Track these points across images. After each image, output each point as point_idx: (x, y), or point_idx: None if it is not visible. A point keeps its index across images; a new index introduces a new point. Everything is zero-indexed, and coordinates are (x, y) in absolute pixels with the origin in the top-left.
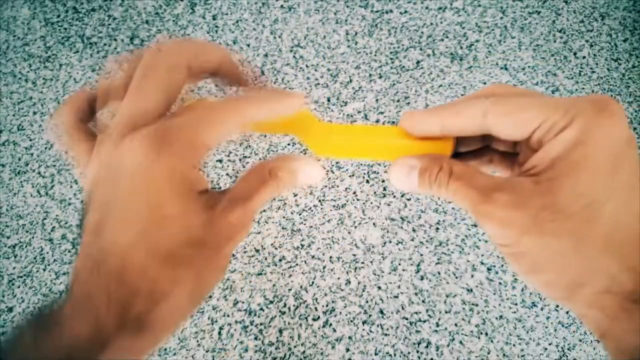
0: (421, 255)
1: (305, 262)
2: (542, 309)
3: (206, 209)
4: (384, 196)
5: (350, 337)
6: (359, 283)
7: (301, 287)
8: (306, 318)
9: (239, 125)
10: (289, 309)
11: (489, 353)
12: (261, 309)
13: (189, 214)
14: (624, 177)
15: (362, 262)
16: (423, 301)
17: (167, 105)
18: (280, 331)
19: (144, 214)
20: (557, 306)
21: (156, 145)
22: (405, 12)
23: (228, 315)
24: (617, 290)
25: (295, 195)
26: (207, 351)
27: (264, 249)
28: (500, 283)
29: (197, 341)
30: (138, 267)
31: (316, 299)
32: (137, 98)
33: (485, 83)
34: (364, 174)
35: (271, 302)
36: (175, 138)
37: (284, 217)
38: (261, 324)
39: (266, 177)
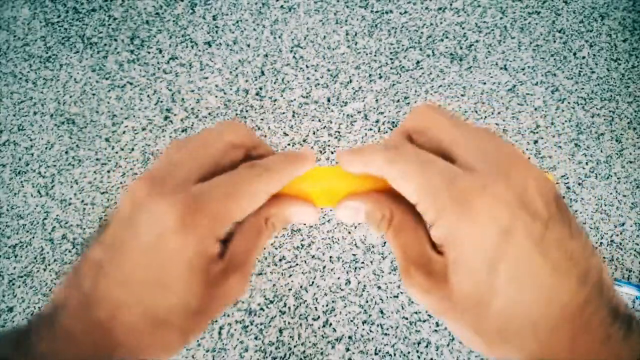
0: None
1: (305, 262)
2: None
3: (209, 279)
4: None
5: (350, 337)
6: (359, 283)
7: (301, 287)
8: (306, 318)
9: (266, 196)
10: (289, 308)
11: None
12: (261, 308)
13: (193, 289)
14: (503, 274)
15: (362, 262)
16: None
17: (208, 175)
18: (281, 331)
19: (150, 281)
20: None
21: (187, 216)
22: (405, 12)
23: (228, 315)
24: None
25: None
26: (207, 351)
27: (264, 249)
28: None
29: (197, 341)
30: (128, 325)
31: (316, 299)
32: (192, 159)
33: (485, 83)
34: None
35: (271, 302)
36: (204, 211)
37: None
38: (261, 323)
39: (262, 228)
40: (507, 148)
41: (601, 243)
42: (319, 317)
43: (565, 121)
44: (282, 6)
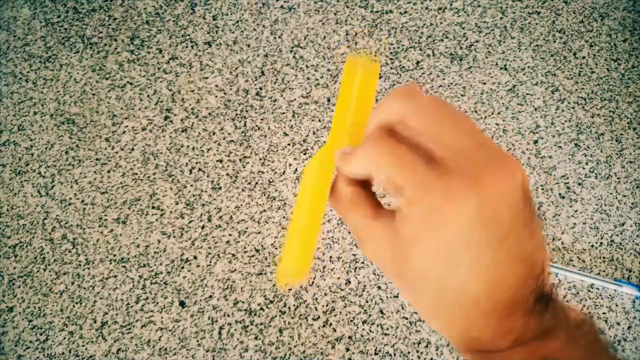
0: None
1: None
2: None
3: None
4: (384, 196)
5: (350, 337)
6: (359, 283)
7: (301, 287)
8: (306, 318)
9: None
10: (289, 308)
11: None
12: (261, 308)
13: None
14: (456, 261)
15: (362, 262)
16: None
17: None
18: (281, 331)
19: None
20: None
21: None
22: (405, 12)
23: (228, 315)
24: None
25: (295, 196)
26: (207, 351)
27: (264, 248)
28: None
29: (198, 341)
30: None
31: (316, 299)
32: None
33: (485, 83)
34: None
35: (271, 302)
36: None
37: (284, 217)
38: (261, 323)
39: None
40: (482, 144)
41: (601, 243)
42: (319, 317)
43: (565, 121)
44: (282, 6)
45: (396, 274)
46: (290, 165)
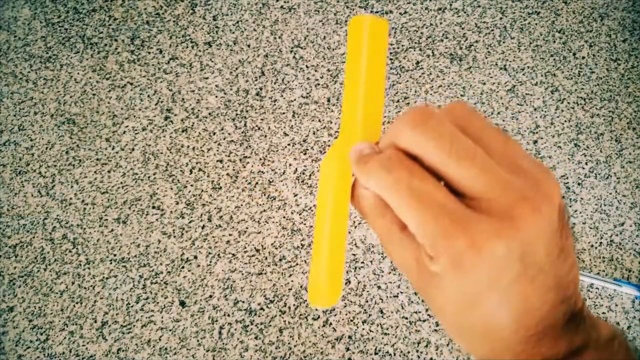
0: None
1: (305, 262)
2: None
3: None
4: None
5: (350, 337)
6: (359, 283)
7: (301, 286)
8: (306, 318)
9: None
10: (289, 308)
11: None
12: (261, 308)
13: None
14: (491, 292)
15: (362, 262)
16: (423, 301)
17: None
18: (281, 331)
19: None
20: None
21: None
22: (405, 12)
23: (228, 315)
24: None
25: (295, 195)
26: (207, 351)
27: (264, 248)
28: None
29: (198, 341)
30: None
31: None
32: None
33: (484, 83)
34: None
35: (271, 301)
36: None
37: (284, 217)
38: (261, 323)
39: None
40: (515, 166)
41: (601, 243)
42: (319, 317)
43: (565, 121)
44: (282, 6)
45: (420, 289)
46: (290, 165)
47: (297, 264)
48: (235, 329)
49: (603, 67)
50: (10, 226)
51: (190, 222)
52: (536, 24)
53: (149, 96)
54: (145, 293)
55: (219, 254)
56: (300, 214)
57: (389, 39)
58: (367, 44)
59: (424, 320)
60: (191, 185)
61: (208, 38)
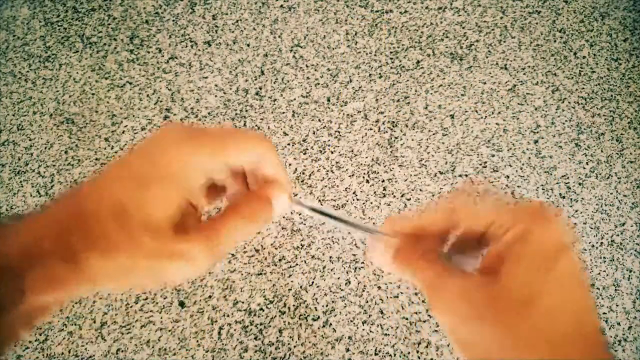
0: None
1: (305, 262)
2: None
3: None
4: (384, 196)
5: (350, 337)
6: (359, 283)
7: (301, 287)
8: (306, 318)
9: None
10: (289, 309)
11: None
12: (261, 309)
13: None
14: (556, 276)
15: (362, 262)
16: (423, 301)
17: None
18: (280, 331)
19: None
20: None
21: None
22: (405, 11)
23: (228, 315)
24: None
25: (295, 195)
26: (206, 351)
27: (264, 249)
28: None
29: (197, 341)
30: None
31: (316, 299)
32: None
33: (485, 83)
34: (364, 174)
35: (271, 302)
36: None
37: (284, 217)
38: (261, 324)
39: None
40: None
41: (601, 243)
42: (319, 317)
43: (566, 121)
44: (282, 6)
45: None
46: (290, 165)
47: (296, 264)
48: (235, 330)
49: (604, 67)
50: None
51: None
52: (537, 23)
53: (148, 96)
54: (145, 293)
55: None
56: (300, 214)
57: (389, 39)
58: None
59: (424, 321)
60: None
61: (207, 37)
